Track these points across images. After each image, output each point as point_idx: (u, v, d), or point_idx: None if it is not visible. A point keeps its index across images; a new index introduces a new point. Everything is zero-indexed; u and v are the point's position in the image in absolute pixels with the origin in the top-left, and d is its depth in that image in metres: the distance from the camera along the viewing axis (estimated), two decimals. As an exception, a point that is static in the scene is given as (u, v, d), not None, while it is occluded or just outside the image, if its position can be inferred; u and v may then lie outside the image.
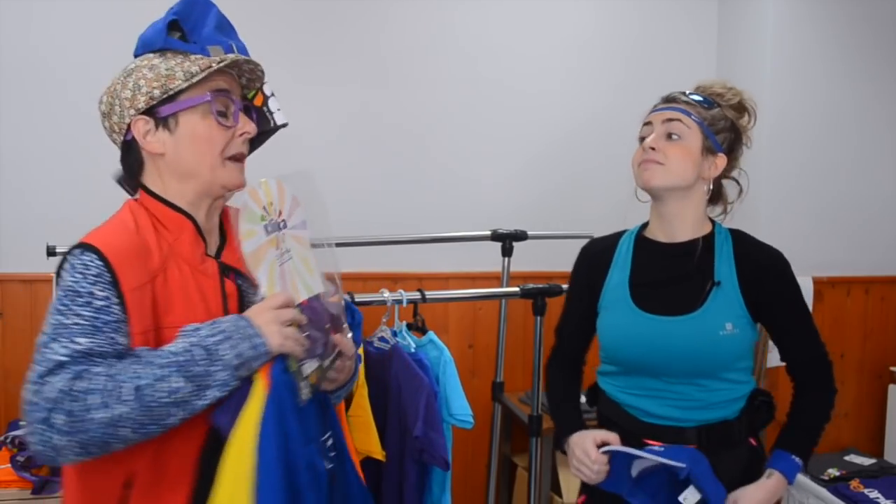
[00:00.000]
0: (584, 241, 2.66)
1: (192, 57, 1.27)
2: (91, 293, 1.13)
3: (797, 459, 1.53)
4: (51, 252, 2.15)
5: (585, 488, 1.67)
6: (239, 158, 1.31)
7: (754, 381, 1.63)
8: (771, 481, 1.51)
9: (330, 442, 1.32)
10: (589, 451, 1.53)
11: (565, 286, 2.12)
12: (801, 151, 3.15)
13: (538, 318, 2.11)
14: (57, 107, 2.68)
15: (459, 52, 3.06)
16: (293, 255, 1.26)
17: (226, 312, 1.25)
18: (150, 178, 1.31)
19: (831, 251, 3.21)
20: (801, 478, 2.96)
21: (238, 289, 1.29)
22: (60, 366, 1.09)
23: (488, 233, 2.64)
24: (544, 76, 3.15)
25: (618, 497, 1.54)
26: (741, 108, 1.62)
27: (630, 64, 3.25)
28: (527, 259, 2.87)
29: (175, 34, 1.30)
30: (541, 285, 2.08)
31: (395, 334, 1.91)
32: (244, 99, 1.37)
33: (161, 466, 1.18)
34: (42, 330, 1.14)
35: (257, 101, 1.39)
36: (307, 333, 1.22)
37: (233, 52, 1.30)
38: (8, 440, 2.37)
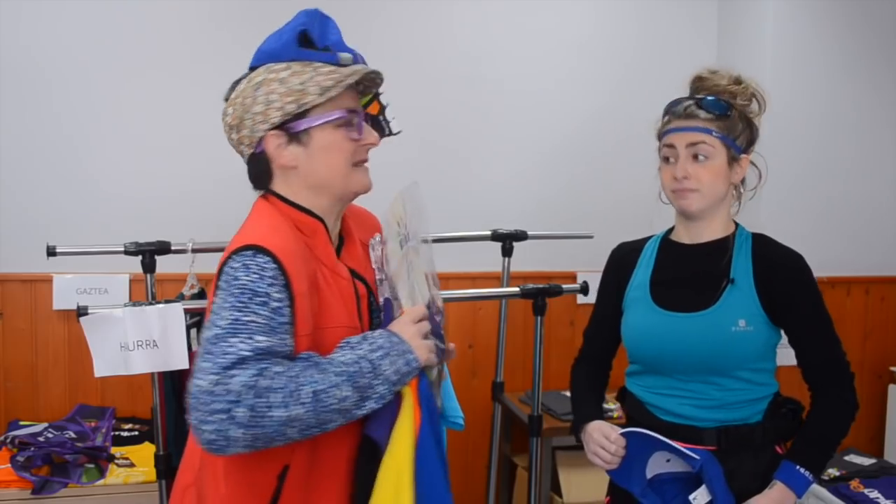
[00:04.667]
0: (584, 241, 2.70)
1: (323, 69, 1.28)
2: (268, 294, 1.16)
3: (805, 472, 1.49)
4: (51, 252, 2.14)
5: (612, 489, 1.67)
6: (362, 164, 1.36)
7: (776, 383, 1.62)
8: (773, 492, 1.48)
9: None
10: (608, 434, 1.54)
11: (565, 286, 2.13)
12: (801, 151, 3.15)
13: (538, 318, 2.10)
14: (57, 107, 2.68)
15: (460, 51, 3.06)
16: (413, 266, 1.32)
17: (360, 314, 1.31)
18: (279, 187, 1.32)
19: (831, 251, 3.21)
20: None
21: (368, 291, 1.35)
22: (243, 361, 1.11)
23: (488, 233, 2.64)
24: (545, 76, 3.15)
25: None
26: (751, 98, 1.61)
27: (630, 64, 3.25)
28: (527, 259, 2.87)
29: (304, 44, 1.31)
30: (541, 285, 2.08)
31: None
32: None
33: (315, 461, 1.24)
34: (210, 323, 1.16)
35: (373, 110, 1.42)
36: (435, 343, 1.28)
37: (360, 61, 1.34)
38: (8, 440, 2.37)
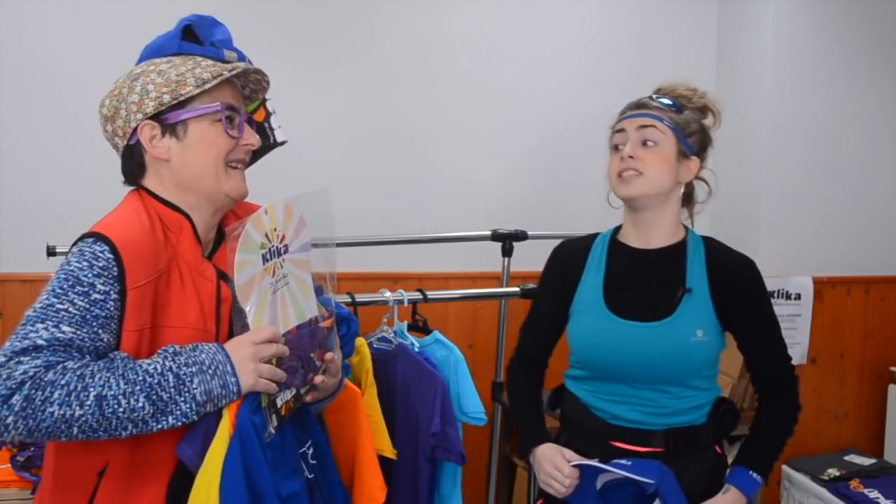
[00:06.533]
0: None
1: (203, 63, 1.25)
2: (92, 284, 1.13)
3: (755, 476, 1.53)
4: (51, 252, 2.15)
5: (543, 492, 1.66)
6: (238, 165, 1.31)
7: (719, 388, 1.64)
8: (727, 497, 1.52)
9: (311, 451, 1.32)
10: (561, 467, 1.52)
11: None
12: (802, 152, 3.14)
13: (538, 318, 2.10)
14: (56, 106, 2.68)
15: (459, 52, 3.06)
16: (290, 280, 1.25)
17: (218, 316, 1.25)
18: (150, 182, 1.30)
19: (831, 251, 3.21)
20: (801, 478, 2.96)
21: (233, 294, 1.27)
22: (37, 349, 1.08)
23: (488, 233, 2.64)
24: (545, 76, 3.15)
25: None
26: (705, 109, 1.63)
27: (630, 64, 3.25)
28: (527, 259, 2.86)
29: (189, 41, 1.30)
30: (541, 285, 2.08)
31: (396, 334, 1.91)
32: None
33: (137, 463, 1.18)
34: (33, 304, 1.12)
35: (259, 116, 1.39)
36: (287, 365, 1.21)
37: (244, 61, 1.31)
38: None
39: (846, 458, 3.08)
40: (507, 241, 2.64)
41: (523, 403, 1.72)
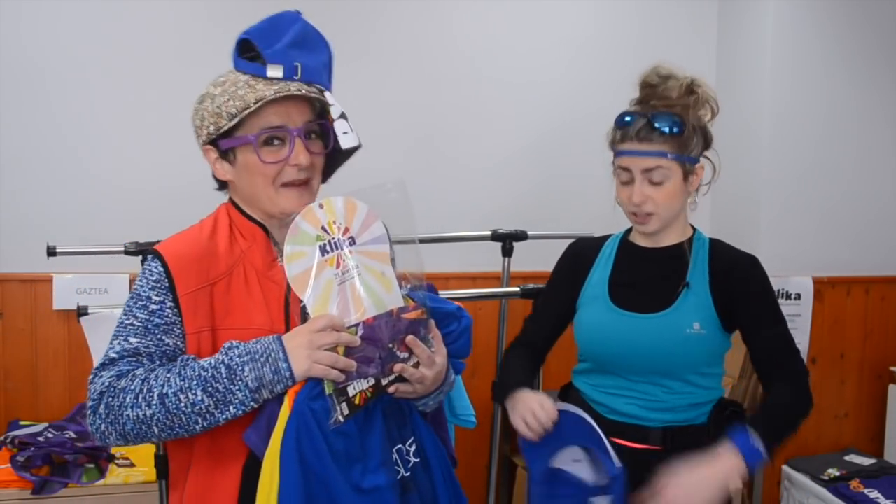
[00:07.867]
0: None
1: (239, 92, 1.26)
2: (149, 297, 1.25)
3: (754, 439, 1.38)
4: (51, 252, 2.15)
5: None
6: (296, 184, 1.32)
7: (722, 389, 1.63)
8: (720, 458, 1.36)
9: (413, 448, 1.32)
10: (545, 405, 1.48)
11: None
12: (802, 151, 3.14)
13: (538, 318, 2.10)
14: (56, 106, 2.68)
15: (460, 50, 3.06)
16: (362, 271, 1.26)
17: (287, 318, 1.29)
18: (232, 192, 1.40)
19: (831, 251, 3.21)
20: (802, 478, 2.96)
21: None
22: (112, 362, 1.23)
23: (488, 233, 2.64)
24: (545, 76, 3.15)
25: None
26: (704, 104, 1.59)
27: (630, 64, 3.23)
28: (527, 259, 2.86)
29: (249, 53, 1.31)
30: (541, 285, 2.08)
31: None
32: (321, 118, 1.35)
33: (215, 454, 1.27)
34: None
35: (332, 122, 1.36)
36: (360, 355, 1.22)
37: (295, 73, 1.29)
38: (8, 440, 2.37)
39: (846, 458, 3.08)
40: (507, 241, 2.64)
41: (514, 366, 1.69)
